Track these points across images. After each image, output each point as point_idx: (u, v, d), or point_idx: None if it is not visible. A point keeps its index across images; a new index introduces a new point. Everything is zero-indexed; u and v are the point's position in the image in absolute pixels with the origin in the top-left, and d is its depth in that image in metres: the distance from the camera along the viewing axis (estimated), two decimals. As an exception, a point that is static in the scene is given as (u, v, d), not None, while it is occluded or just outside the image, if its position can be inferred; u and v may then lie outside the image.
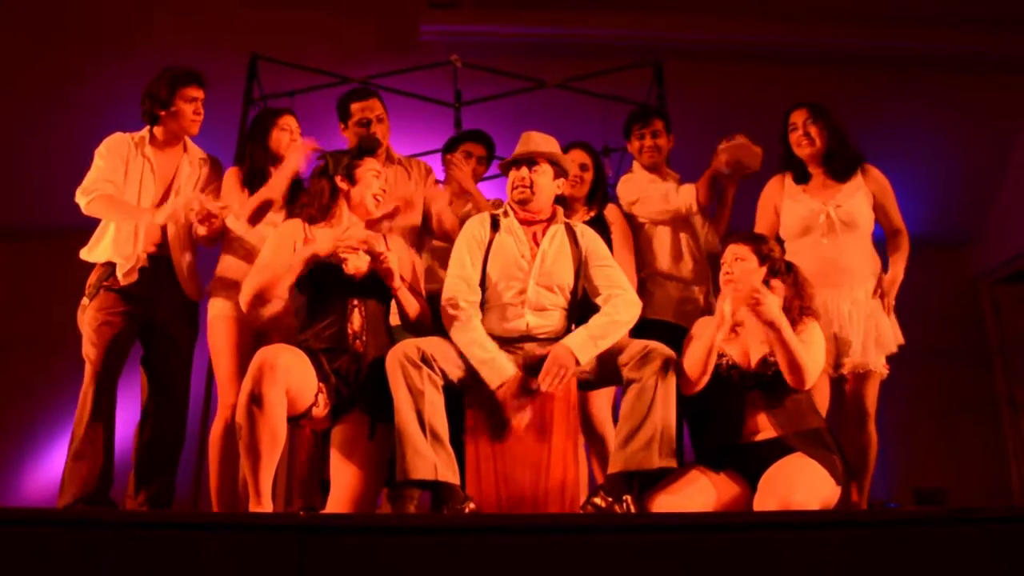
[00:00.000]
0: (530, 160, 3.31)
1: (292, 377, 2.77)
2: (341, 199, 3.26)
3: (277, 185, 3.60)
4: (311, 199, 3.27)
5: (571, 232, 3.32)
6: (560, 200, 3.76)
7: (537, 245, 3.26)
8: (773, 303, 2.93)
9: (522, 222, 3.30)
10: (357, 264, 3.07)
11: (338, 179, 3.25)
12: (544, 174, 3.30)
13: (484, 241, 3.26)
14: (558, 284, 3.20)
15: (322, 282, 3.07)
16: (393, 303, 3.19)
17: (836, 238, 3.62)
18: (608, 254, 3.34)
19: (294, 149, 3.64)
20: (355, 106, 4.01)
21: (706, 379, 3.00)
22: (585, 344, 3.02)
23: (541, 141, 3.37)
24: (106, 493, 3.47)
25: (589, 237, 3.33)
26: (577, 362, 2.99)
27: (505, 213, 3.34)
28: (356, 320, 3.07)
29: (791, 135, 3.77)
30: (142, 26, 5.66)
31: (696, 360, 2.99)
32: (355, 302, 3.08)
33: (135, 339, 3.63)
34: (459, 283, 3.18)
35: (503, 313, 3.18)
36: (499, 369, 2.99)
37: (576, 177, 3.88)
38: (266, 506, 2.72)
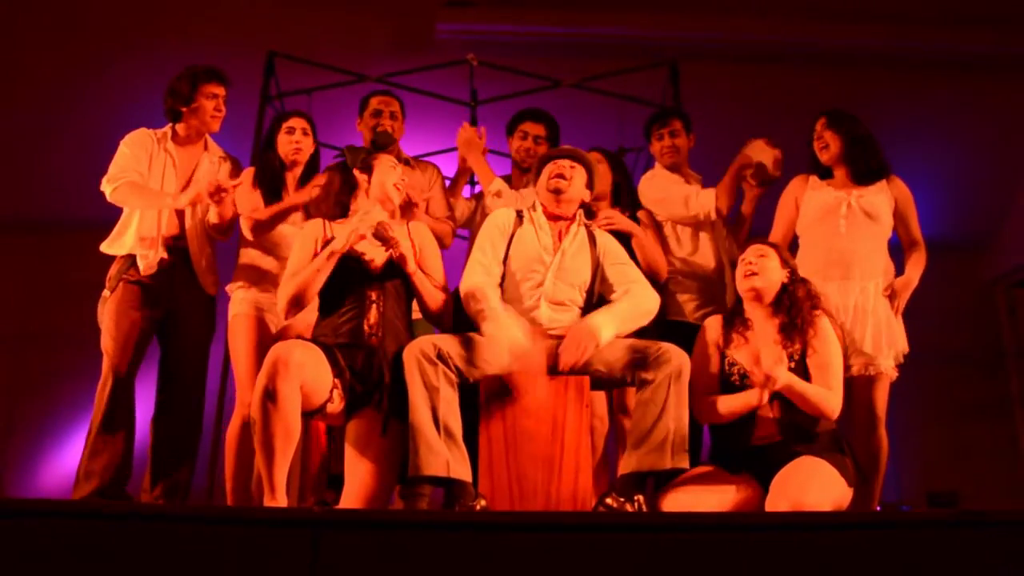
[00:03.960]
0: (571, 156, 3.37)
1: (306, 372, 2.79)
2: (360, 193, 3.28)
3: (294, 200, 3.69)
4: (324, 194, 3.32)
5: (590, 234, 3.35)
6: (586, 212, 3.79)
7: (559, 241, 3.28)
8: (782, 374, 2.92)
9: (549, 217, 3.33)
10: (374, 254, 3.09)
11: (356, 172, 3.29)
12: (580, 174, 3.35)
13: (508, 231, 3.29)
14: (576, 280, 3.22)
15: (340, 275, 3.08)
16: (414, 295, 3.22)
17: (855, 226, 3.62)
18: (623, 253, 3.37)
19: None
20: (374, 99, 4.10)
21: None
22: (607, 322, 3.05)
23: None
24: (123, 486, 3.50)
25: (606, 238, 3.38)
26: (597, 343, 3.01)
27: (533, 207, 3.36)
28: (373, 315, 3.08)
29: (814, 141, 3.79)
30: (160, 23, 5.69)
31: (724, 415, 3.04)
32: (373, 296, 3.10)
33: (154, 333, 3.66)
34: (479, 269, 3.21)
35: (518, 305, 3.19)
36: (509, 335, 3.01)
37: None
38: (280, 501, 2.74)
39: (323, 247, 3.12)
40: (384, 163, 3.32)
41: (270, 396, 2.71)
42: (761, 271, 3.17)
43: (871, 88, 6.09)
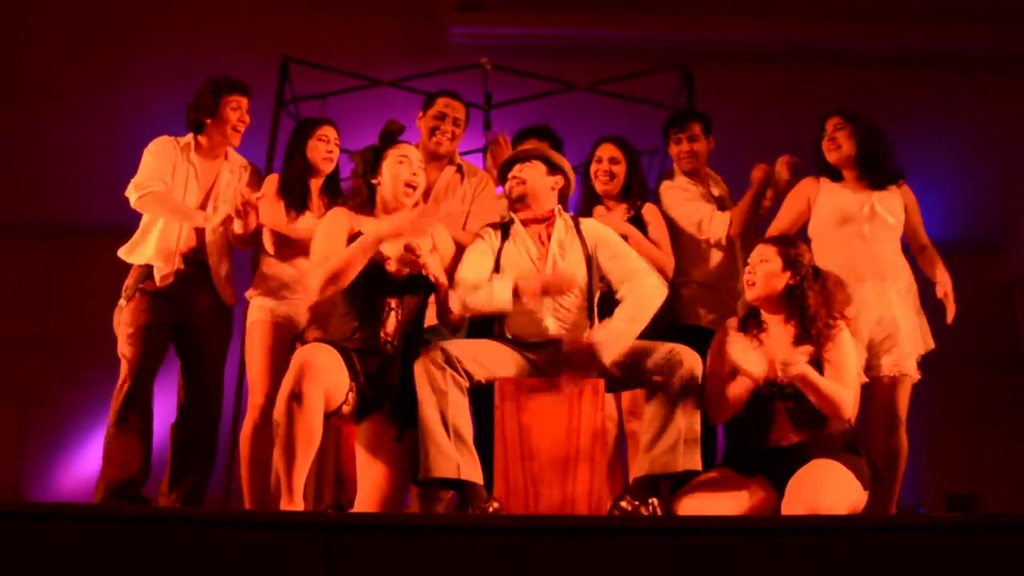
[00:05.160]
0: (517, 159, 3.36)
1: (330, 377, 2.81)
2: (378, 194, 3.26)
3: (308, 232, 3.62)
4: (352, 198, 3.32)
5: (576, 227, 3.32)
6: (594, 198, 3.77)
7: (543, 245, 3.26)
8: (798, 362, 2.87)
9: (525, 223, 3.31)
10: (400, 266, 3.10)
11: (370, 178, 3.27)
12: (534, 168, 3.33)
13: (494, 248, 3.27)
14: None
15: (361, 281, 3.07)
16: (430, 300, 3.21)
17: (879, 229, 3.60)
18: (618, 242, 3.32)
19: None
20: (442, 100, 4.04)
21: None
22: (608, 341, 3.00)
23: (528, 145, 3.45)
24: (139, 488, 3.51)
25: (593, 228, 3.34)
26: (599, 357, 2.97)
27: (510, 221, 3.34)
28: (391, 324, 3.08)
29: (823, 141, 3.75)
30: (174, 29, 5.71)
31: (732, 403, 3.01)
32: (392, 304, 3.10)
33: (170, 339, 3.68)
34: (465, 270, 3.17)
35: (523, 319, 3.17)
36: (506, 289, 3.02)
37: (606, 172, 3.87)
38: (298, 504, 2.75)
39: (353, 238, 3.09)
40: (391, 162, 3.25)
41: (296, 398, 2.73)
42: (759, 280, 3.13)
43: (886, 88, 6.06)
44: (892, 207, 3.64)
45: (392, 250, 3.08)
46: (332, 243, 3.09)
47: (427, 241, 3.19)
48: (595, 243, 3.27)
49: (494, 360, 3.04)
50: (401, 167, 3.23)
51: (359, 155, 3.31)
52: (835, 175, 3.74)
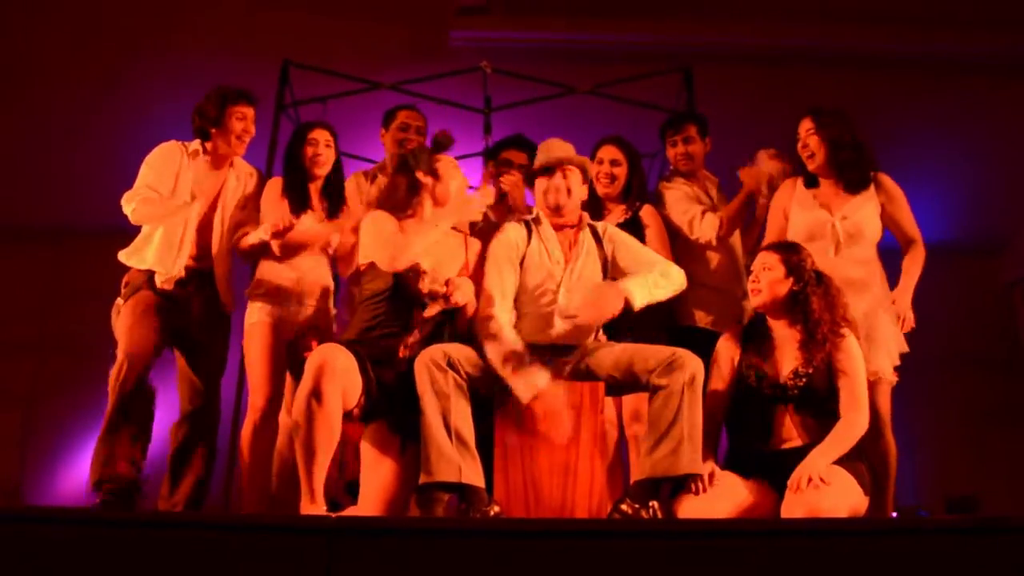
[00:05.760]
0: (560, 165, 3.33)
1: (347, 376, 2.82)
2: (423, 195, 3.29)
3: (317, 236, 3.73)
4: (388, 194, 3.35)
5: (595, 234, 3.35)
6: (594, 200, 3.77)
7: (568, 251, 3.27)
8: (816, 466, 2.83)
9: (555, 228, 3.32)
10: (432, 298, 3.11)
11: (420, 174, 3.29)
12: (575, 179, 3.33)
13: (521, 249, 3.28)
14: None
15: (390, 293, 3.09)
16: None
17: (842, 247, 3.58)
18: (633, 242, 3.36)
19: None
20: (403, 113, 4.20)
21: None
22: (638, 285, 3.07)
23: (563, 147, 3.39)
24: (135, 486, 3.50)
25: (611, 234, 3.36)
26: (625, 305, 3.02)
27: (537, 221, 3.35)
28: (412, 339, 3.08)
29: (797, 145, 3.71)
30: (176, 33, 5.73)
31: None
32: (416, 319, 3.10)
33: (169, 339, 3.68)
34: (494, 294, 3.17)
35: (535, 321, 3.18)
36: (530, 382, 2.99)
37: (607, 175, 3.87)
38: (319, 506, 2.75)
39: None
40: (449, 167, 3.32)
41: (316, 396, 2.73)
42: (763, 287, 3.15)
43: (886, 89, 6.07)
44: (860, 220, 3.56)
45: (427, 265, 3.11)
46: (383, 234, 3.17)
47: (457, 260, 3.25)
48: (612, 247, 3.30)
49: (496, 364, 3.03)
50: (458, 172, 3.34)
51: (411, 152, 3.38)
52: (811, 179, 3.71)
